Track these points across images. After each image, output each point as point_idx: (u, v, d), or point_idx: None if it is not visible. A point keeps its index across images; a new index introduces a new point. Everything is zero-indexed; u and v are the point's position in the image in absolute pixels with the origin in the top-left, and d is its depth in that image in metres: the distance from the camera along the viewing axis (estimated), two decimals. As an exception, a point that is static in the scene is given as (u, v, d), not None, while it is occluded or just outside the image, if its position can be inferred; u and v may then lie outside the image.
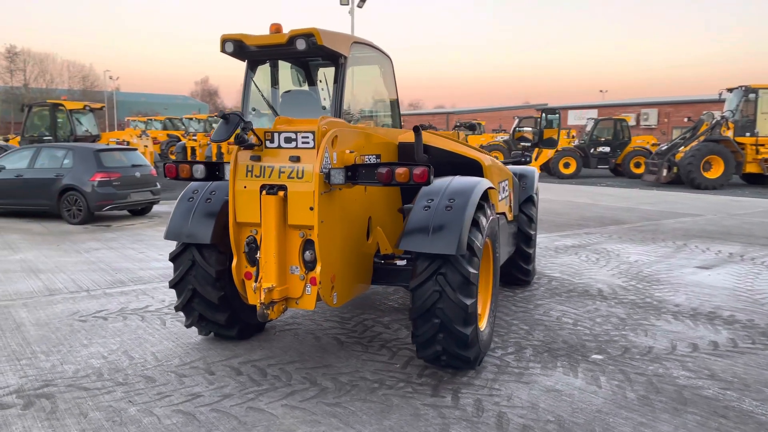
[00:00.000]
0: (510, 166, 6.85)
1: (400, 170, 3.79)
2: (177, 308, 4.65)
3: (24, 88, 68.34)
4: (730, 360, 4.57)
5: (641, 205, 14.71)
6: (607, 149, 24.67)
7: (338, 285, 4.03)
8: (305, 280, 3.91)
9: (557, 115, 6.79)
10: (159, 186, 12.33)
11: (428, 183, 3.80)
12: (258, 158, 3.92)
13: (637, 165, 23.59)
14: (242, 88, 5.47)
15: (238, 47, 4.95)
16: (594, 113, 42.76)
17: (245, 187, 3.94)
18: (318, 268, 3.81)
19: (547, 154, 24.54)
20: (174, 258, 4.59)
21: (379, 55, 5.92)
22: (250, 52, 5.00)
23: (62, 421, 3.55)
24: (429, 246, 3.86)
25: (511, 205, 5.74)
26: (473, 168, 4.93)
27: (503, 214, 5.41)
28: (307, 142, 3.82)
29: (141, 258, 8.26)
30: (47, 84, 70.49)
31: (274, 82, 5.37)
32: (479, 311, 4.59)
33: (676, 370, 4.36)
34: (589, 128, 25.59)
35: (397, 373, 4.27)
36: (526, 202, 6.41)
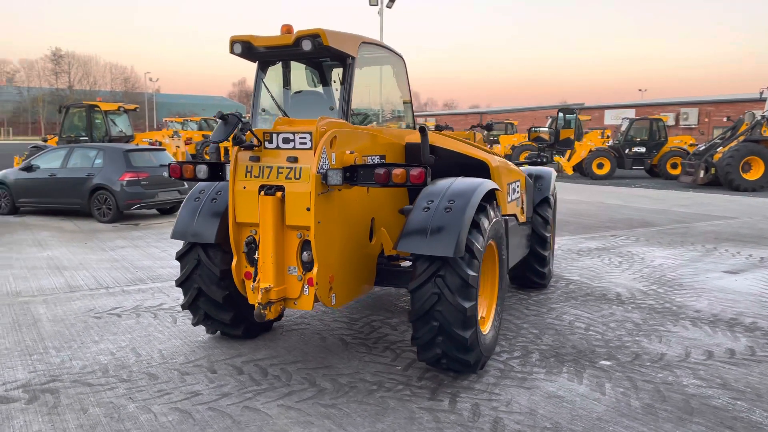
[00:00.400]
0: (526, 167, 6.75)
1: (397, 171, 3.76)
2: (183, 306, 4.71)
3: (69, 90, 70.40)
4: (746, 369, 4.41)
5: (674, 207, 14.34)
6: (643, 150, 24.13)
7: (337, 286, 4.02)
8: (303, 280, 3.92)
9: (574, 115, 6.65)
10: (186, 185, 12.53)
11: (425, 184, 3.76)
12: (257, 159, 3.94)
13: (674, 166, 23.02)
14: (253, 89, 5.52)
15: (246, 48, 4.99)
16: (632, 113, 41.88)
17: (244, 187, 3.97)
18: (315, 269, 3.80)
19: (581, 154, 24.15)
20: (180, 257, 4.65)
21: (391, 55, 5.90)
22: (258, 54, 5.03)
23: (62, 416, 3.62)
24: (427, 248, 3.81)
25: (524, 206, 5.65)
26: (480, 169, 4.86)
27: (513, 215, 5.32)
28: (305, 143, 3.82)
29: (163, 256, 8.40)
30: (90, 86, 72.50)
31: (286, 82, 5.39)
32: (483, 314, 4.54)
33: (687, 378, 4.22)
34: (623, 128, 25.09)
35: (398, 376, 4.24)
36: (541, 203, 6.30)
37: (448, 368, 4.20)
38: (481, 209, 4.12)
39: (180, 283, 4.65)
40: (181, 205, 4.64)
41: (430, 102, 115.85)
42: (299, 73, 5.86)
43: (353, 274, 4.24)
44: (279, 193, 3.83)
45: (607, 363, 4.51)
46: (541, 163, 6.76)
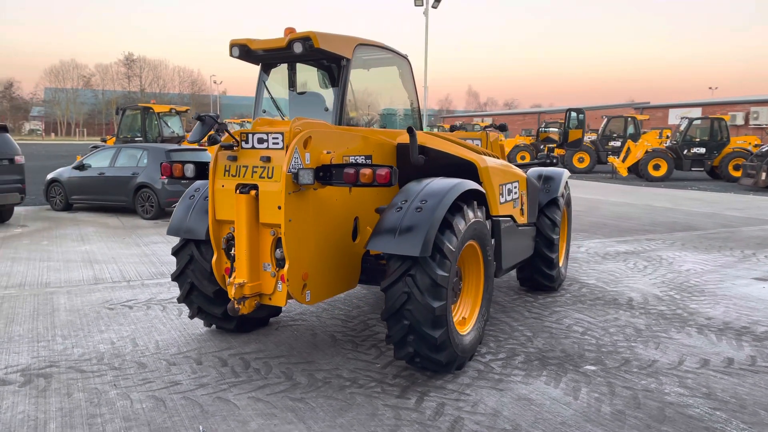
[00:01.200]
0: (536, 168, 6.65)
1: (364, 171, 3.82)
2: (179, 300, 4.91)
3: (140, 93, 73.47)
4: (739, 379, 4.23)
5: (726, 211, 13.74)
6: (703, 150, 23.18)
7: (312, 283, 4.11)
8: (276, 277, 4.02)
9: (582, 115, 6.45)
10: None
11: (390, 184, 3.80)
12: (234, 158, 4.08)
13: (737, 167, 22.00)
14: (255, 90, 5.68)
15: (244, 51, 5.15)
16: (698, 112, 40.20)
17: (223, 186, 4.11)
18: (286, 266, 3.90)
19: (636, 155, 23.39)
20: (175, 253, 4.85)
21: (394, 57, 5.94)
22: (255, 56, 5.19)
23: (47, 399, 3.85)
24: (395, 247, 3.85)
25: (523, 207, 5.58)
26: (469, 169, 4.85)
27: (510, 217, 5.27)
28: (277, 143, 3.93)
29: (191, 252, 8.71)
30: (160, 89, 75.44)
31: (291, 84, 5.52)
32: (465, 315, 4.53)
33: (670, 387, 4.09)
34: (682, 128, 24.16)
35: (374, 373, 4.29)
36: (549, 205, 6.20)
37: (423, 367, 4.22)
38: (456, 210, 4.12)
39: (175, 277, 4.85)
40: (177, 203, 4.84)
41: (490, 102, 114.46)
42: (310, 75, 6.00)
43: (331, 272, 4.31)
44: (253, 192, 3.95)
45: (592, 368, 4.42)
46: (551, 164, 6.64)
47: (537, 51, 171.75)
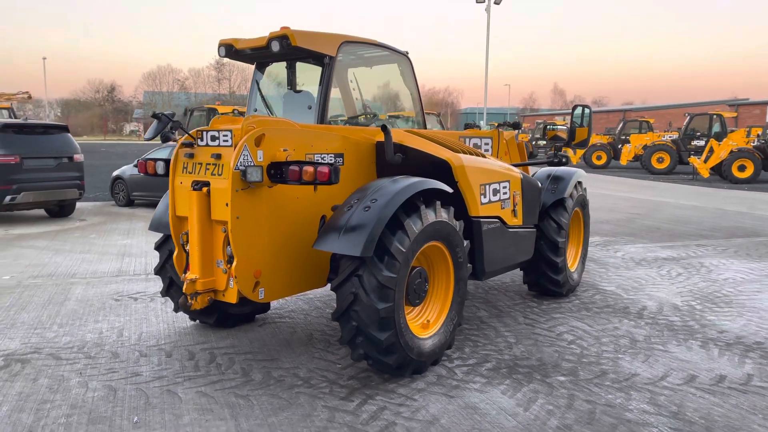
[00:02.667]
0: (547, 168, 6.36)
1: (307, 168, 3.79)
2: (162, 294, 5.05)
3: (229, 95, 76.48)
4: (720, 398, 3.87)
5: (803, 217, 12.64)
6: (795, 150, 21.42)
7: (266, 281, 4.11)
8: (228, 273, 4.06)
9: (588, 111, 6.04)
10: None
11: (331, 182, 3.74)
12: (191, 156, 4.14)
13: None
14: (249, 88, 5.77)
15: (230, 51, 5.25)
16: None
17: (181, 182, 4.19)
18: (234, 263, 3.93)
19: (720, 155, 21.96)
20: (157, 247, 5.00)
21: (391, 54, 5.87)
22: (241, 55, 5.27)
23: (14, 383, 4.06)
24: (338, 246, 3.79)
25: (516, 209, 5.34)
26: (444, 168, 4.70)
27: (496, 218, 5.07)
28: (227, 141, 3.96)
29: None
30: (248, 91, 78.17)
31: (289, 82, 5.55)
32: (431, 319, 4.40)
33: (638, 403, 3.80)
34: (772, 127, 22.43)
35: (331, 373, 4.24)
36: (555, 206, 5.91)
37: (378, 369, 4.13)
38: (412, 209, 4.01)
39: (157, 271, 4.99)
40: (162, 199, 4.98)
41: (578, 99, 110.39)
42: (311, 74, 6.04)
43: (292, 271, 4.29)
44: (205, 189, 4.00)
45: (561, 378, 4.17)
46: (560, 163, 6.31)
47: (630, 46, 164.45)
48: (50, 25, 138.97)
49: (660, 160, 26.24)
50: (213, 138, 4.03)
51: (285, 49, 4.89)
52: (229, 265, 4.04)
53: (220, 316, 5.04)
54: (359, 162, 4.79)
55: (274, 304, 5.85)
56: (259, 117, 4.18)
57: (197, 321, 5.26)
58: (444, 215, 4.25)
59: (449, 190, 4.34)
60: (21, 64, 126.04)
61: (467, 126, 6.97)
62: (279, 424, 3.51)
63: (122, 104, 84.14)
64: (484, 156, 5.19)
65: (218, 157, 3.98)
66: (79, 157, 11.60)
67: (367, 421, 3.55)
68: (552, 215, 5.88)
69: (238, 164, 3.85)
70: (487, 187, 4.94)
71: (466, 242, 4.52)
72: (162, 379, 4.13)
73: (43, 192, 11.01)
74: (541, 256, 5.89)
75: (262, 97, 5.57)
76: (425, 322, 4.36)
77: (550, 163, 6.32)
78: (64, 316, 5.54)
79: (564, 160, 6.20)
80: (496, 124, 6.79)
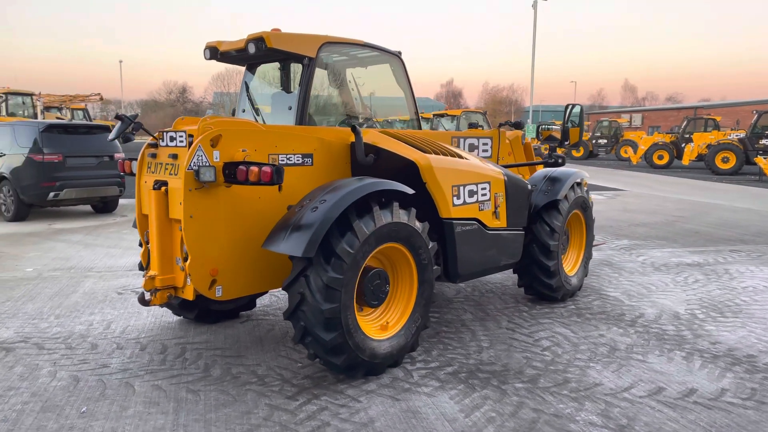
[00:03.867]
0: (546, 169, 6.19)
1: (252, 169, 3.84)
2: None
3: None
4: (679, 413, 3.67)
5: None
6: None
7: (224, 279, 4.18)
8: (185, 271, 4.16)
9: (579, 110, 5.74)
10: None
11: (273, 183, 3.78)
12: (154, 156, 4.27)
13: None
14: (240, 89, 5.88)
15: (214, 53, 5.37)
16: None
17: (146, 182, 4.32)
18: (188, 261, 4.02)
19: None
20: (141, 244, 5.17)
21: (381, 55, 5.85)
22: (225, 58, 5.38)
23: (-9, 370, 4.31)
24: (282, 246, 3.82)
25: (498, 210, 5.21)
26: (415, 169, 4.64)
27: (474, 220, 4.97)
28: (182, 141, 4.06)
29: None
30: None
31: (282, 83, 5.63)
32: (391, 321, 4.37)
33: (587, 414, 3.65)
34: None
35: (288, 372, 4.28)
36: (548, 208, 5.73)
37: (329, 369, 4.14)
38: (365, 211, 3.99)
39: (141, 267, 5.17)
40: None
41: (650, 96, 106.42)
42: (319, 74, 6.10)
43: (251, 270, 4.34)
44: (164, 188, 4.11)
45: (519, 385, 4.06)
46: (555, 164, 6.11)
47: (710, 40, 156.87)
48: (126, 29, 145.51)
49: (725, 160, 25.00)
50: (171, 139, 4.14)
51: (261, 51, 4.97)
52: (185, 263, 4.14)
53: (200, 311, 5.16)
54: (332, 162, 4.80)
55: (260, 301, 5.95)
56: (218, 118, 4.26)
57: (182, 316, 5.40)
58: (403, 217, 4.21)
59: (409, 191, 4.30)
60: (98, 67, 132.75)
61: (471, 126, 6.86)
62: (215, 420, 3.57)
63: (194, 105, 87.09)
64: (460, 156, 5.08)
65: (175, 157, 4.08)
66: (119, 155, 12.11)
67: (303, 420, 3.56)
68: (544, 217, 5.71)
69: (192, 164, 3.94)
70: (461, 188, 4.85)
71: (432, 244, 4.46)
72: (125, 372, 4.28)
73: (85, 189, 11.56)
74: (533, 260, 5.74)
75: (250, 98, 5.66)
76: (384, 324, 4.33)
77: (547, 164, 6.14)
78: (65, 308, 5.80)
79: (560, 161, 6.01)
80: (498, 124, 6.65)
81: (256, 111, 5.62)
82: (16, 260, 7.94)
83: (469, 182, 4.93)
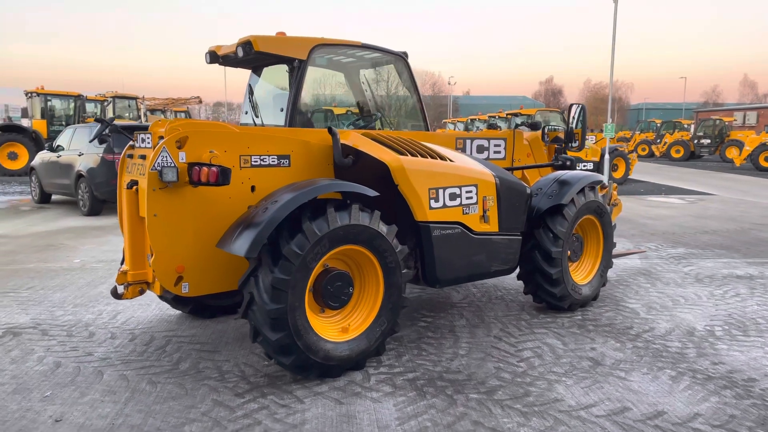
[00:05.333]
0: (559, 172, 5.90)
1: (203, 169, 3.94)
2: None
3: (385, 96, 78.80)
4: (631, 437, 3.41)
5: None
6: None
7: (190, 276, 4.31)
8: (151, 267, 4.33)
9: (580, 108, 5.26)
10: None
11: (219, 184, 3.86)
12: (131, 156, 4.48)
13: None
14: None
15: (215, 57, 5.55)
16: None
17: (124, 181, 4.54)
18: (152, 258, 4.18)
19: None
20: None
21: (384, 56, 5.83)
22: (222, 61, 5.54)
23: (-10, 352, 4.69)
24: (229, 245, 3.90)
25: (487, 214, 5.02)
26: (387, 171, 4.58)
27: (456, 223, 4.83)
28: (149, 143, 4.23)
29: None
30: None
31: (290, 85, 5.74)
32: (354, 324, 4.35)
33: (528, 430, 3.47)
34: None
35: (251, 369, 4.35)
36: (552, 213, 5.46)
37: (284, 368, 4.18)
38: (318, 212, 3.99)
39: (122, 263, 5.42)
40: None
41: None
42: (334, 78, 6.22)
43: (220, 268, 4.44)
44: (135, 187, 4.31)
45: (473, 396, 3.91)
46: (563, 166, 5.78)
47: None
48: (228, 32, 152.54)
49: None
50: (143, 140, 4.33)
51: (249, 55, 5.08)
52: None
53: (195, 306, 5.35)
54: (312, 164, 4.82)
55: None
56: (189, 120, 4.41)
57: (179, 311, 5.62)
58: (364, 219, 4.17)
59: (370, 193, 4.25)
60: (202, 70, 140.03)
61: (490, 127, 6.67)
62: (157, 411, 3.70)
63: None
64: (445, 158, 4.93)
65: (144, 158, 4.26)
66: (183, 155, 12.75)
67: (237, 418, 3.62)
68: (548, 223, 5.46)
69: (155, 165, 4.10)
70: (441, 191, 4.73)
71: (401, 247, 4.39)
72: (104, 360, 4.52)
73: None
74: (536, 267, 5.50)
75: (251, 100, 5.80)
76: (345, 327, 4.31)
77: (555, 167, 5.85)
78: (86, 298, 6.20)
79: (569, 163, 5.71)
80: (516, 125, 6.41)
81: (255, 113, 5.75)
82: (70, 252, 8.57)
83: (451, 185, 4.80)
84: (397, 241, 4.38)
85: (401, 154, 4.68)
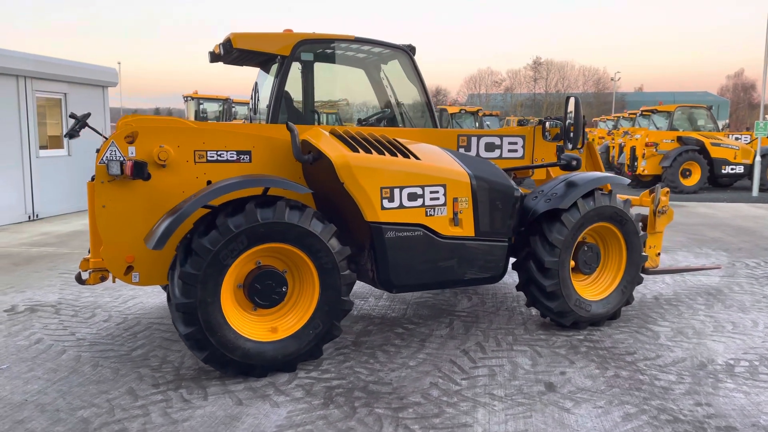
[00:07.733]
0: (564, 175, 5.29)
1: (128, 163, 4.07)
2: None
3: (545, 94, 76.29)
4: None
5: None
6: None
7: (141, 266, 4.45)
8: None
9: (574, 102, 4.32)
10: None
11: (134, 177, 3.95)
12: (98, 151, 4.72)
13: None
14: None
15: (214, 56, 5.70)
16: None
17: (95, 175, 4.81)
18: (101, 248, 4.39)
19: None
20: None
21: (385, 50, 5.62)
22: (221, 60, 5.66)
23: (2, 324, 5.20)
24: (149, 239, 3.98)
25: (458, 217, 4.61)
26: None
27: (417, 225, 4.50)
28: (104, 138, 4.44)
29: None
30: (565, 89, 76.66)
31: (273, 81, 5.77)
32: (285, 326, 4.24)
33: (401, 456, 3.14)
34: None
35: (192, 361, 4.39)
36: (549, 218, 4.90)
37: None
38: (237, 209, 3.95)
39: None
40: None
41: None
42: (355, 77, 6.20)
43: (170, 259, 4.54)
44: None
45: (379, 411, 3.63)
46: (568, 167, 5.07)
47: None
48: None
49: None
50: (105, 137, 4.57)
51: (231, 53, 5.15)
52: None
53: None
54: (276, 160, 4.76)
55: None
56: (142, 117, 4.56)
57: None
58: (293, 216, 4.04)
59: (301, 190, 4.12)
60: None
61: (520, 124, 6.16)
62: (72, 393, 3.86)
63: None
64: (409, 156, 4.58)
65: (98, 151, 4.49)
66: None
67: (132, 407, 3.67)
68: (543, 229, 4.91)
69: (103, 158, 4.30)
70: (397, 190, 4.43)
71: (339, 248, 4.20)
72: (79, 340, 4.84)
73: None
74: (530, 278, 4.98)
75: (253, 97, 5.88)
76: (275, 327, 4.21)
77: (561, 167, 5.22)
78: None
79: (574, 162, 5.07)
80: (539, 120, 5.82)
81: (254, 110, 5.82)
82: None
83: (410, 184, 4.48)
84: (335, 241, 4.20)
85: (355, 150, 4.46)
